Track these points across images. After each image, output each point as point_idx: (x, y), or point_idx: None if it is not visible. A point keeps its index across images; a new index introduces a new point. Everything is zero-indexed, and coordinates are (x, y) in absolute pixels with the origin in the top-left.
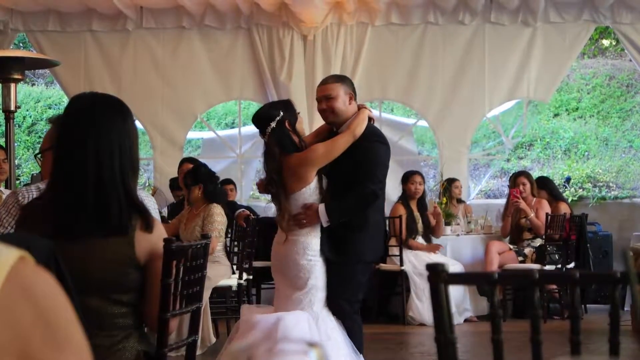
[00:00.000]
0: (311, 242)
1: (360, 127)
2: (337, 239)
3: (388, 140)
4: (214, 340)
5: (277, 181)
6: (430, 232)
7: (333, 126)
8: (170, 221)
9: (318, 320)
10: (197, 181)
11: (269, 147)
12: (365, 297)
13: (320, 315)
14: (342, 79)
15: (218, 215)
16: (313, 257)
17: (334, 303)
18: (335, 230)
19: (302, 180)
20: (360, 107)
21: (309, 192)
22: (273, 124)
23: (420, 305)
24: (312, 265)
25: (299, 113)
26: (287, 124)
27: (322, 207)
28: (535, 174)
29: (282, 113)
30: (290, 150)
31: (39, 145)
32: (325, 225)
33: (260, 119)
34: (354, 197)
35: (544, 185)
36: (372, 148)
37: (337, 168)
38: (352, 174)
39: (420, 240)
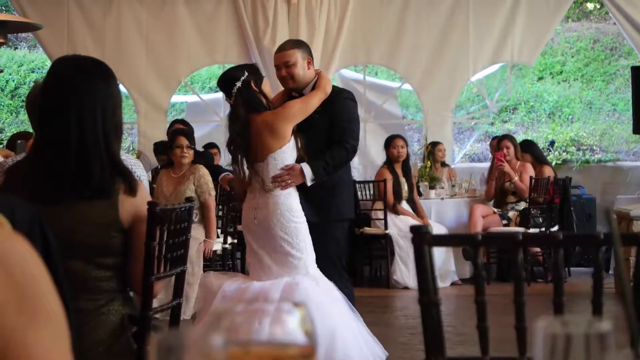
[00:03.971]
0: (293, 203)
1: (329, 86)
2: (315, 199)
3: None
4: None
5: (240, 143)
6: (413, 196)
7: (293, 92)
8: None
9: (319, 283)
10: (194, 143)
11: (234, 108)
12: (351, 261)
13: (319, 278)
14: (299, 44)
15: (209, 175)
16: (298, 218)
17: (320, 265)
18: (311, 190)
19: (280, 137)
20: (317, 72)
21: (289, 150)
22: (238, 84)
23: (405, 269)
24: (299, 228)
25: (264, 77)
26: (253, 85)
27: (305, 166)
28: (520, 138)
29: (246, 73)
30: (261, 109)
31: (20, 108)
32: (309, 184)
33: (225, 80)
34: (337, 154)
35: (528, 148)
36: (347, 105)
37: (313, 126)
38: (328, 131)
39: (405, 205)
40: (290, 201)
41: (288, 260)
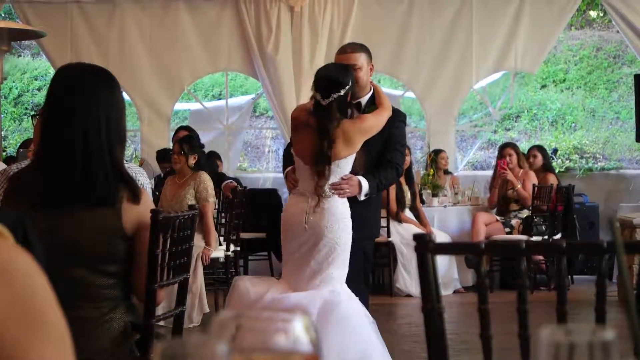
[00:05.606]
0: (347, 212)
1: (390, 104)
2: (354, 215)
3: None
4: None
5: (330, 145)
6: (415, 204)
7: None
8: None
9: (351, 299)
10: (194, 150)
11: (330, 111)
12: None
13: (351, 295)
14: (364, 48)
15: (209, 182)
16: (349, 227)
17: (351, 281)
18: (351, 206)
19: (351, 146)
20: (371, 83)
21: (351, 160)
22: (342, 92)
23: (408, 277)
24: (348, 238)
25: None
26: (349, 96)
27: (364, 180)
28: (522, 146)
29: (351, 83)
30: (344, 118)
31: (24, 115)
32: (362, 198)
33: (333, 82)
34: (390, 175)
35: (541, 151)
36: (402, 128)
37: (370, 143)
38: (381, 152)
39: (407, 212)
40: (345, 209)
41: (328, 271)
